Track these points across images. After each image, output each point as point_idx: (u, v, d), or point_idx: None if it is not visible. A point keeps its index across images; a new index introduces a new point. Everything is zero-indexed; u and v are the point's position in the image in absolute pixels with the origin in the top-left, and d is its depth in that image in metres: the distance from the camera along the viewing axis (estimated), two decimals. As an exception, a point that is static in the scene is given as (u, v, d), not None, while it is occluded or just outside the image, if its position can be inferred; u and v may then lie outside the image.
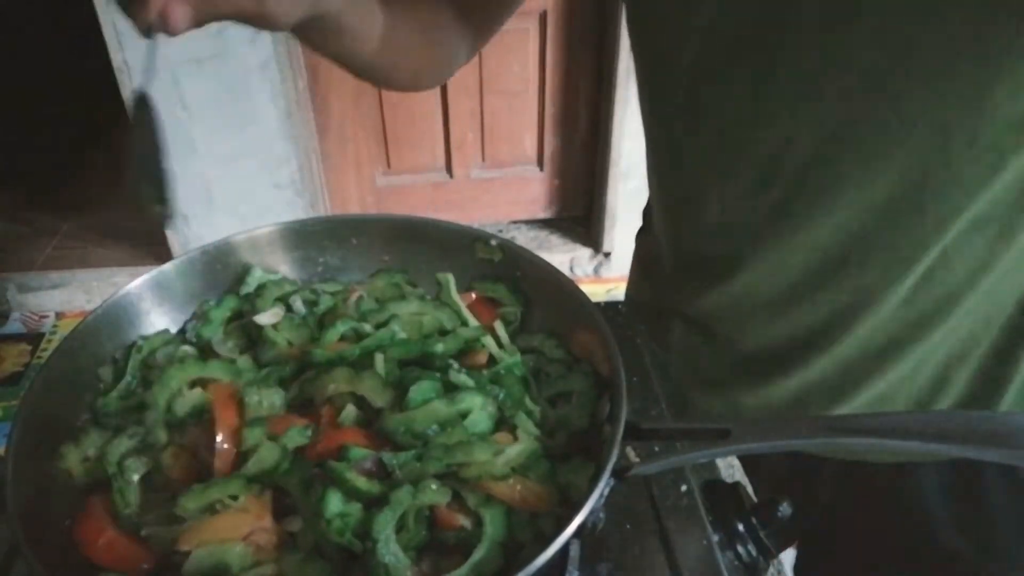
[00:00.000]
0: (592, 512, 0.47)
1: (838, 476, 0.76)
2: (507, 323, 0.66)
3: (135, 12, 0.46)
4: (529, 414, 0.57)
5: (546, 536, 0.48)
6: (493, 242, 0.68)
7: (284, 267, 0.70)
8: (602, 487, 0.47)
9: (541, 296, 0.67)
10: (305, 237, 0.70)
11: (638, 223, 0.86)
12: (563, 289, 0.64)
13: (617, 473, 0.49)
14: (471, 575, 0.48)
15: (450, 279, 0.67)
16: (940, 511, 0.71)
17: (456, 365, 0.59)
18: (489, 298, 0.68)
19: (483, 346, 0.62)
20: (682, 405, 0.75)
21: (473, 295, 0.68)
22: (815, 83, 0.53)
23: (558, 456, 0.54)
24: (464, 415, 0.55)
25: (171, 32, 0.46)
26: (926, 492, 0.71)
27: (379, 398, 0.56)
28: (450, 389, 0.57)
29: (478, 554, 0.48)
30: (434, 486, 0.50)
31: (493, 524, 0.49)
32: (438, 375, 0.57)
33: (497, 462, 0.51)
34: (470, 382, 0.57)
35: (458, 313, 0.66)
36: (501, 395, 0.57)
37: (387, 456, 0.52)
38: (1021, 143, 0.50)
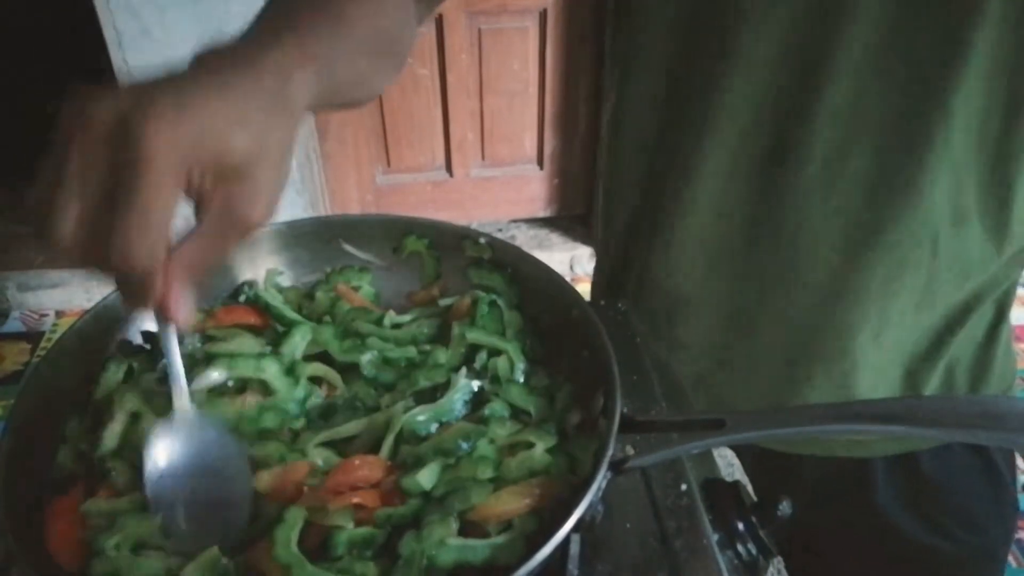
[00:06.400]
0: (591, 506, 0.47)
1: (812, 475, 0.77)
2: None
3: (132, 305, 0.40)
4: (513, 369, 0.59)
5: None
6: (482, 240, 0.68)
7: (277, 268, 0.70)
8: (600, 480, 0.48)
9: (532, 292, 0.67)
10: (293, 239, 0.70)
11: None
12: (554, 285, 0.64)
13: (614, 466, 0.49)
14: (493, 554, 0.48)
15: None
16: (891, 500, 0.74)
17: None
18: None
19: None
20: (679, 399, 0.76)
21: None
22: None
23: (562, 433, 0.55)
24: (484, 420, 0.56)
25: (180, 325, 0.41)
26: (880, 484, 0.73)
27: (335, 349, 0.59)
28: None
29: (500, 539, 0.49)
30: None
31: (524, 522, 0.50)
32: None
33: (514, 468, 0.52)
34: (441, 358, 0.60)
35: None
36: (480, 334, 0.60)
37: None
38: None
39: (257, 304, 0.64)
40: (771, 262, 0.65)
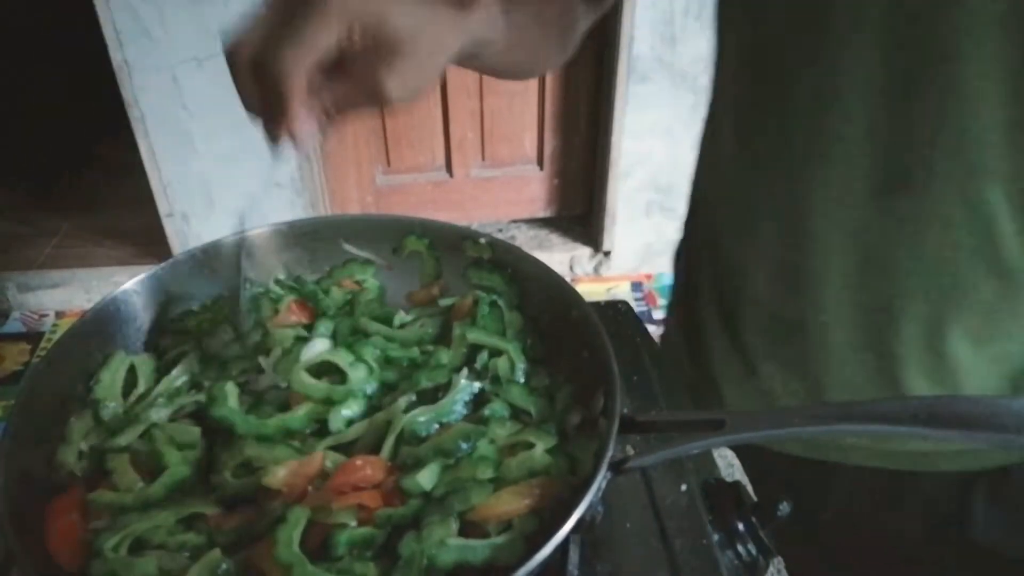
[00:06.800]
0: (591, 506, 0.47)
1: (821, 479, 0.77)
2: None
3: (268, 130, 0.48)
4: (513, 368, 0.60)
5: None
6: (482, 240, 0.69)
7: (276, 269, 0.70)
8: (600, 480, 0.48)
9: (532, 292, 0.67)
10: (294, 239, 0.70)
11: (638, 222, 0.85)
12: (554, 285, 0.65)
13: (614, 466, 0.49)
14: (493, 554, 0.48)
15: None
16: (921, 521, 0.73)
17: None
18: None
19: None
20: (678, 400, 0.76)
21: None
22: None
23: (562, 434, 0.55)
24: (485, 420, 0.56)
25: (300, 148, 0.48)
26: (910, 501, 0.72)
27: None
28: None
29: (499, 539, 0.49)
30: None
31: (523, 522, 0.50)
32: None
33: (514, 468, 0.52)
34: (444, 358, 0.59)
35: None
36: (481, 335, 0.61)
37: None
38: None
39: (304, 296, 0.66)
40: (881, 292, 0.63)
